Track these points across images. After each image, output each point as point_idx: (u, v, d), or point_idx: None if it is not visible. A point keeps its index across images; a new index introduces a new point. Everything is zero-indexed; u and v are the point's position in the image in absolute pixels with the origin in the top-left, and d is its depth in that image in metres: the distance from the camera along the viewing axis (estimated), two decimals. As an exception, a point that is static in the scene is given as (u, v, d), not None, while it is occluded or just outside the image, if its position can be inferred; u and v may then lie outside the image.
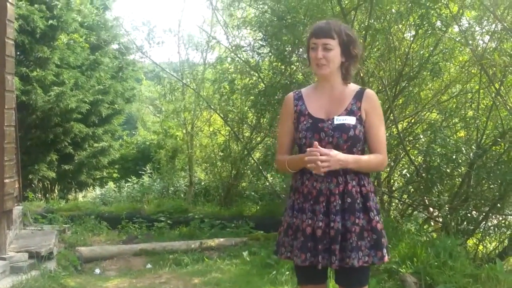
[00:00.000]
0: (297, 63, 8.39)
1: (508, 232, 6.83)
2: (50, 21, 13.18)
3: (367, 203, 2.89)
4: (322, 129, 2.91)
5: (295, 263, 2.95)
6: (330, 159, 2.75)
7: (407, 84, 7.42)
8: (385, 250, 2.89)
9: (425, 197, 7.50)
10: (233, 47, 10.66)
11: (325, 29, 2.92)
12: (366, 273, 2.97)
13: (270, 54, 8.84)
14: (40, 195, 11.72)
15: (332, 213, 2.84)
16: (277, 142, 3.29)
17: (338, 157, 2.78)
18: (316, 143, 2.79)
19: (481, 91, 7.05)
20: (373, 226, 2.87)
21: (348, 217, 2.84)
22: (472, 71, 7.24)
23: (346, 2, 7.45)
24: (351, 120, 2.90)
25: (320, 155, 2.75)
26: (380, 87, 7.57)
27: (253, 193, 11.52)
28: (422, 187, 7.46)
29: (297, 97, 3.09)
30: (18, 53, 12.27)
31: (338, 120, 2.90)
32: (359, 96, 2.97)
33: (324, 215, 2.86)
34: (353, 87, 3.02)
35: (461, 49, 7.15)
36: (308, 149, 2.82)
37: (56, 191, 12.25)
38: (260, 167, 10.25)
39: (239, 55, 10.15)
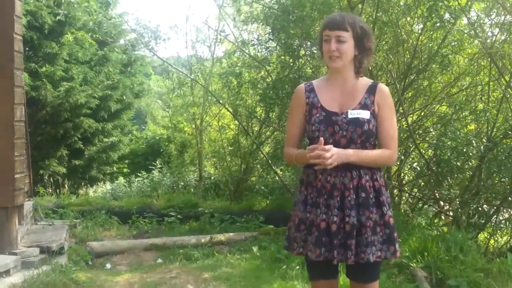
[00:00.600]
0: (306, 57, 8.36)
1: (519, 226, 6.80)
2: (58, 17, 13.23)
3: (380, 198, 2.90)
4: (336, 123, 2.89)
5: (309, 258, 2.92)
6: (331, 155, 2.74)
7: (416, 77, 7.38)
8: (397, 245, 2.90)
9: (435, 191, 7.48)
10: (240, 42, 10.65)
11: (339, 21, 2.90)
12: (378, 268, 2.99)
13: (277, 48, 8.81)
14: (51, 190, 11.75)
15: (347, 208, 2.84)
16: (286, 134, 3.28)
17: (339, 152, 2.78)
18: (321, 139, 2.77)
19: (491, 83, 7.01)
20: (386, 221, 2.88)
21: (363, 211, 2.85)
22: (482, 63, 7.19)
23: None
24: (365, 114, 2.89)
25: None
26: (389, 80, 7.53)
27: (262, 187, 11.53)
28: (432, 180, 7.44)
29: (308, 89, 3.07)
30: (27, 49, 12.35)
31: (353, 114, 2.89)
32: (372, 90, 2.96)
33: (338, 210, 2.85)
34: (365, 81, 3.01)
35: (470, 41, 7.10)
36: (308, 147, 2.83)
37: (66, 186, 12.29)
38: (270, 161, 10.24)
39: (246, 50, 10.13)
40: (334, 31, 2.89)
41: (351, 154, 2.82)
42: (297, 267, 5.94)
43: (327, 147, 2.75)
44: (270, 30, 8.68)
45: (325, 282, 3.05)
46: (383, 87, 3.00)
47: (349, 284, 3.08)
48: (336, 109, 2.94)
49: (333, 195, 2.86)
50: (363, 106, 2.91)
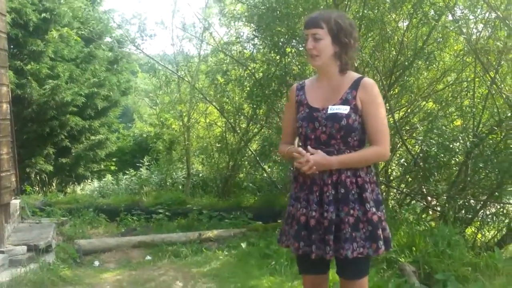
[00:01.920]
0: (292, 54, 8.36)
1: (506, 221, 6.86)
2: (43, 14, 13.14)
3: (363, 194, 2.86)
4: (316, 119, 2.91)
5: (291, 251, 2.98)
6: (312, 163, 2.79)
7: (402, 73, 7.41)
8: (381, 242, 2.85)
9: (423, 186, 7.52)
10: (227, 39, 10.65)
11: (314, 19, 2.91)
12: (364, 264, 2.94)
13: (263, 45, 8.81)
14: (37, 189, 11.71)
15: (325, 203, 2.84)
16: (282, 131, 3.37)
17: (319, 161, 2.81)
18: (308, 148, 2.85)
19: (476, 79, 7.06)
20: (368, 218, 2.84)
21: (342, 207, 2.84)
22: (467, 59, 7.23)
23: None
24: (344, 110, 2.87)
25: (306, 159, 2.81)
26: (376, 77, 7.56)
27: (251, 184, 11.56)
28: (419, 176, 7.49)
29: (299, 87, 3.11)
30: (11, 46, 12.23)
31: (332, 109, 2.89)
32: (355, 85, 2.93)
33: (317, 205, 2.87)
34: (352, 76, 2.98)
35: (455, 38, 7.15)
36: (293, 150, 2.91)
37: (53, 184, 12.24)
38: (258, 158, 10.25)
39: (233, 47, 10.12)
40: (310, 29, 2.91)
41: (333, 162, 2.83)
42: (286, 262, 5.97)
43: (307, 157, 2.80)
44: (255, 27, 8.67)
45: (313, 277, 3.07)
46: (367, 82, 2.94)
47: (339, 281, 3.08)
48: (319, 105, 2.95)
49: (312, 190, 2.88)
50: (344, 101, 2.89)
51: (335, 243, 2.82)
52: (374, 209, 2.86)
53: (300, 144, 3.04)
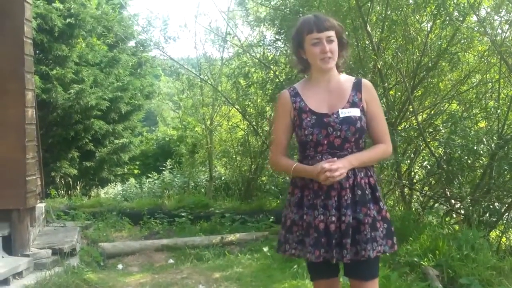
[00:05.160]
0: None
1: (531, 223, 6.76)
2: (68, 20, 13.30)
3: (376, 194, 2.92)
4: (329, 124, 2.89)
5: (308, 260, 2.93)
6: (339, 171, 2.77)
7: (425, 75, 7.35)
8: (395, 238, 2.91)
9: (446, 189, 7.44)
10: (249, 42, 10.66)
11: (324, 21, 2.92)
12: (378, 264, 2.98)
13: (286, 48, 8.80)
14: (62, 192, 11.83)
15: (343, 207, 2.85)
16: (273, 141, 3.25)
17: (344, 165, 2.80)
18: (322, 166, 2.79)
19: (501, 80, 6.96)
20: (383, 216, 2.90)
21: (360, 209, 2.85)
22: (492, 60, 7.14)
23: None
24: (356, 112, 2.90)
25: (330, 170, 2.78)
26: (399, 79, 7.52)
27: (273, 187, 11.54)
28: (443, 179, 7.40)
29: (293, 94, 3.04)
30: (37, 51, 12.44)
31: (343, 113, 2.89)
32: (357, 87, 2.97)
33: (336, 210, 2.86)
34: (347, 77, 3.04)
35: (479, 38, 7.06)
36: (318, 172, 2.79)
37: (78, 188, 12.37)
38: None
39: (255, 50, 10.13)
40: (323, 32, 2.90)
41: (353, 161, 2.85)
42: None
43: (332, 166, 2.76)
44: (277, 30, 8.68)
45: (326, 282, 3.06)
46: (367, 83, 3.02)
47: (349, 283, 3.05)
48: (325, 110, 2.93)
49: (330, 195, 2.86)
50: (352, 104, 2.92)
51: (355, 246, 2.83)
52: (385, 207, 2.93)
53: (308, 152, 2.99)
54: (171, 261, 7.11)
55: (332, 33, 2.90)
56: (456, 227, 6.80)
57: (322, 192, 2.88)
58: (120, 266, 6.88)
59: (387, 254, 2.96)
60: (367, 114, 2.95)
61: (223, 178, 13.28)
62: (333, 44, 2.90)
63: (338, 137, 2.87)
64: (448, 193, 7.46)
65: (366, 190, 2.89)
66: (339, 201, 2.86)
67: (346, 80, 3.01)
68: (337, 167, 2.76)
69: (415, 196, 8.36)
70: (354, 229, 2.83)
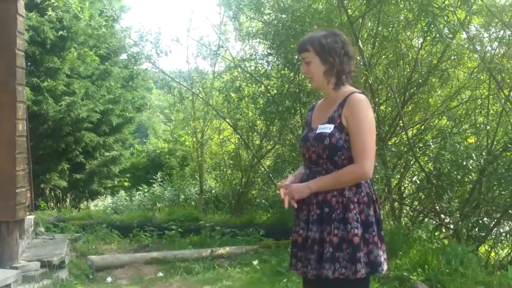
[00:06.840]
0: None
1: (520, 239, 6.80)
2: (60, 32, 13.28)
3: (345, 214, 2.81)
4: (309, 139, 2.97)
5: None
6: (288, 193, 2.89)
7: (416, 91, 7.41)
8: (359, 265, 2.75)
9: (436, 204, 7.48)
10: (241, 56, 10.69)
11: (301, 43, 2.99)
12: (349, 286, 2.81)
13: (277, 62, 8.85)
14: (52, 204, 11.77)
15: (309, 222, 2.89)
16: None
17: (293, 189, 2.90)
18: (279, 184, 2.99)
19: (491, 97, 7.05)
20: (349, 239, 2.77)
21: (325, 227, 2.83)
22: (481, 77, 7.23)
23: (354, 8, 7.46)
24: (328, 129, 2.88)
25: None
26: (389, 94, 7.57)
27: (263, 201, 11.52)
28: (432, 193, 7.45)
29: (311, 108, 3.23)
30: (29, 63, 12.40)
31: (320, 129, 2.92)
32: (343, 102, 2.90)
33: (305, 224, 2.93)
34: (345, 91, 2.95)
35: (469, 55, 7.14)
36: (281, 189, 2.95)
37: (67, 200, 12.30)
38: (270, 175, 10.24)
39: (247, 64, 10.16)
40: (300, 53, 2.99)
41: (311, 186, 2.87)
42: (298, 280, 5.93)
43: (286, 190, 2.90)
44: (269, 44, 8.72)
45: None
46: (351, 98, 2.87)
47: None
48: (315, 125, 3.00)
49: (302, 209, 2.95)
50: (330, 120, 2.91)
51: (319, 263, 2.81)
52: (356, 230, 2.77)
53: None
54: (160, 274, 7.09)
55: (306, 55, 2.94)
56: (446, 241, 6.82)
57: (298, 206, 2.95)
58: (109, 279, 6.85)
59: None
60: (348, 130, 2.86)
61: (213, 191, 13.25)
62: (310, 65, 2.94)
63: (314, 152, 2.93)
64: (437, 207, 7.51)
65: (337, 209, 2.82)
66: (308, 216, 2.92)
67: (342, 94, 2.93)
68: (290, 191, 2.89)
69: (404, 211, 8.40)
70: (320, 246, 2.83)
